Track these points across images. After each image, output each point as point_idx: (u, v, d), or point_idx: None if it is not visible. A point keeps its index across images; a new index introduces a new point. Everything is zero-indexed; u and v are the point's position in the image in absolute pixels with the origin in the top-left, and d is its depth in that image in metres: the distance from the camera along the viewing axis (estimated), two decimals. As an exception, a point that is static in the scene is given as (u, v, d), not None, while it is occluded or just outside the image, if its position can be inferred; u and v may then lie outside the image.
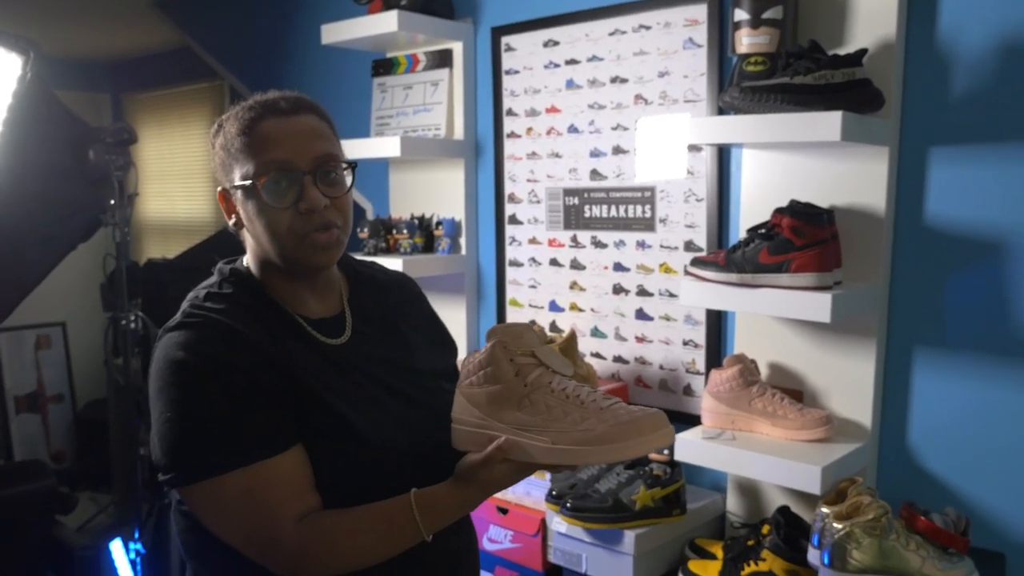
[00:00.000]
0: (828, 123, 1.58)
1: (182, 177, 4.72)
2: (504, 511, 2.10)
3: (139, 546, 2.84)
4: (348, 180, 1.28)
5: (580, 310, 2.38)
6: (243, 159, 1.23)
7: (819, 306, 1.63)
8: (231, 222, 1.30)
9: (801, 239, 1.68)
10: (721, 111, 1.93)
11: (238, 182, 1.23)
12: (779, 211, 1.74)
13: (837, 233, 1.74)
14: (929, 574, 1.54)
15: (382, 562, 1.19)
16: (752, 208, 1.94)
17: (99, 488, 4.15)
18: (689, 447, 1.83)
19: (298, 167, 1.22)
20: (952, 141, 1.74)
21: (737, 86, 1.72)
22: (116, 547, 2.84)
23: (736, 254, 1.75)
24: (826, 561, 1.58)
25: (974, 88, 1.71)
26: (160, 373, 1.18)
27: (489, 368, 1.16)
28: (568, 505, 1.91)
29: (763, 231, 1.74)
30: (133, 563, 2.85)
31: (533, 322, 1.42)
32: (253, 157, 1.22)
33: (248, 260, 1.33)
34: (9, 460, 4.45)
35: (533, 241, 2.48)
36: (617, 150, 2.25)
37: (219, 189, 1.29)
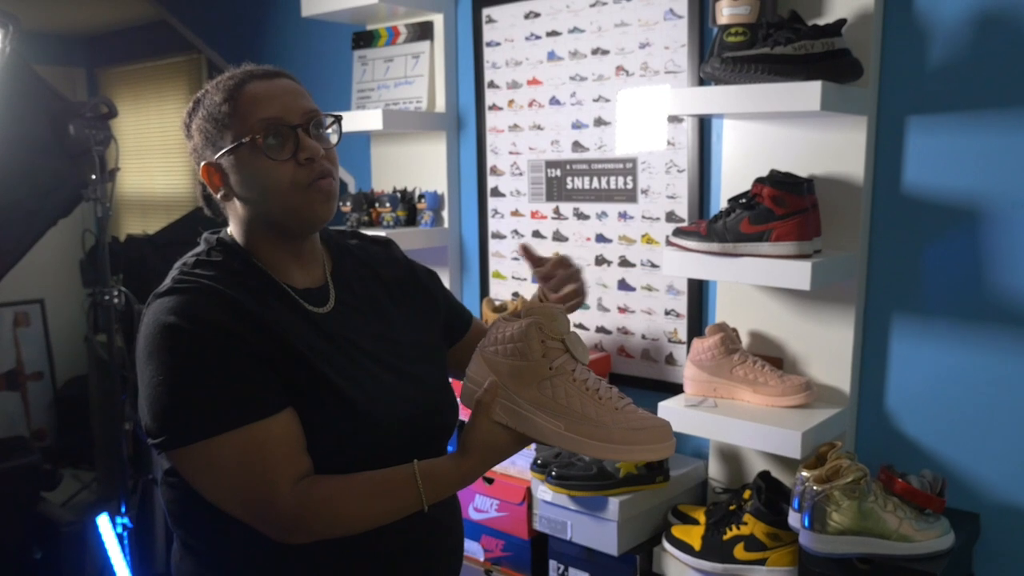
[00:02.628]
0: (808, 93, 1.60)
1: (159, 152, 4.66)
2: (490, 481, 2.13)
3: (126, 520, 2.85)
4: (335, 136, 1.33)
5: (563, 281, 2.39)
6: (233, 123, 1.24)
7: (799, 274, 1.66)
8: (218, 195, 1.29)
9: (781, 208, 1.70)
10: (702, 82, 1.95)
11: (230, 145, 1.24)
12: (759, 181, 1.76)
13: (817, 202, 1.77)
14: (906, 534, 1.58)
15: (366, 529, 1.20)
16: (733, 178, 1.95)
17: (80, 465, 4.15)
18: (672, 415, 1.85)
19: (290, 121, 1.25)
20: (929, 110, 1.76)
21: (718, 57, 1.74)
22: (103, 522, 2.85)
23: (717, 224, 1.77)
24: (806, 523, 1.61)
25: (950, 58, 1.73)
26: (151, 338, 1.18)
27: (520, 343, 1.17)
28: (553, 474, 1.94)
29: (744, 201, 1.76)
30: (120, 537, 2.86)
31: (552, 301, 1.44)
32: (244, 119, 1.24)
33: (232, 230, 1.33)
34: (-11, 438, 4.43)
35: (516, 213, 2.49)
36: (599, 122, 2.26)
37: (203, 164, 1.28)
